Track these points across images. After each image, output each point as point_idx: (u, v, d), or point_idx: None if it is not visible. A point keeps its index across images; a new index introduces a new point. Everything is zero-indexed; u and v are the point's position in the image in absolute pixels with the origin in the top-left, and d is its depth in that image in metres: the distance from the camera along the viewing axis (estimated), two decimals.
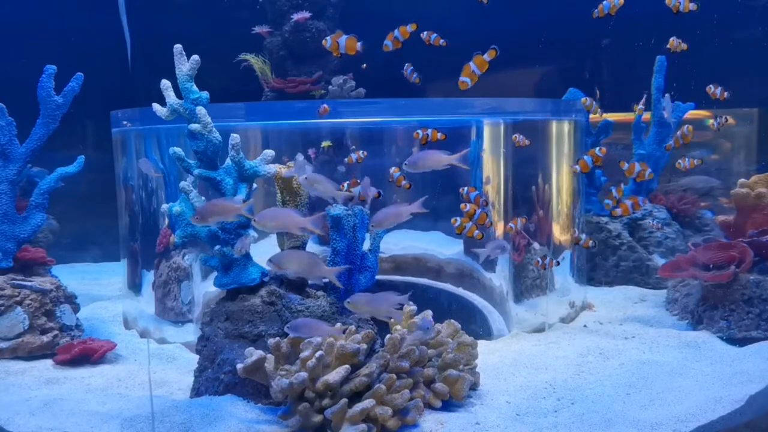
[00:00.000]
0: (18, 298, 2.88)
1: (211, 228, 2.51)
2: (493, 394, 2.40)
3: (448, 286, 3.29)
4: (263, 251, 2.64)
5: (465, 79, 2.26)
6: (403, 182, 2.65)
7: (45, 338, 2.89)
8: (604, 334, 3.16)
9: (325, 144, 3.17)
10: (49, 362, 2.85)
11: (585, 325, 3.31)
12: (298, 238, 2.63)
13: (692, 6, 2.68)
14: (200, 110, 2.46)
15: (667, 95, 3.98)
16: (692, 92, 4.06)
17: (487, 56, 2.22)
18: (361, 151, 2.87)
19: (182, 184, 2.51)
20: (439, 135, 2.55)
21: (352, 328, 2.29)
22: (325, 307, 2.52)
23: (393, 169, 2.68)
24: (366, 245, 2.73)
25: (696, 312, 3.19)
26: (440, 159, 2.36)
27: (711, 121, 3.38)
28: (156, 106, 2.51)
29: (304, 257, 2.34)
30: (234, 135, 2.49)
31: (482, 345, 2.72)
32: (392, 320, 2.43)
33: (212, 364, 2.42)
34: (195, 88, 2.48)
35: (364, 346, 2.18)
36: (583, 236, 3.16)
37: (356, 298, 2.20)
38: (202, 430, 2.12)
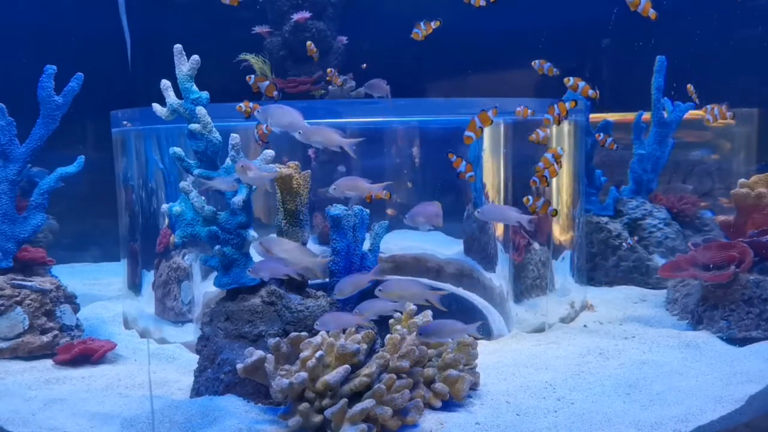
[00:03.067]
0: (18, 298, 2.88)
1: (211, 228, 2.51)
2: (493, 394, 2.40)
3: (448, 286, 3.29)
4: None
5: (470, 134, 2.47)
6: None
7: (45, 338, 2.89)
8: (604, 334, 3.16)
9: None
10: (49, 362, 2.85)
11: (585, 325, 3.31)
12: (298, 237, 2.64)
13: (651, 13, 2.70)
14: (200, 110, 2.46)
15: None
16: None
17: (491, 114, 2.34)
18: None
19: (182, 184, 2.51)
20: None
21: (352, 328, 2.29)
22: (326, 307, 2.52)
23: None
24: (366, 245, 2.73)
25: (696, 312, 3.19)
26: (362, 187, 2.35)
27: (702, 113, 3.34)
28: (156, 106, 2.51)
29: (292, 245, 2.30)
30: (234, 135, 2.49)
31: (482, 345, 2.72)
32: (392, 320, 2.43)
33: (212, 364, 2.42)
34: (195, 88, 2.48)
35: (364, 346, 2.18)
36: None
37: (388, 285, 2.19)
38: (202, 430, 2.12)
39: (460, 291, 3.29)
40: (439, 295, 2.21)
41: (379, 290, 2.16)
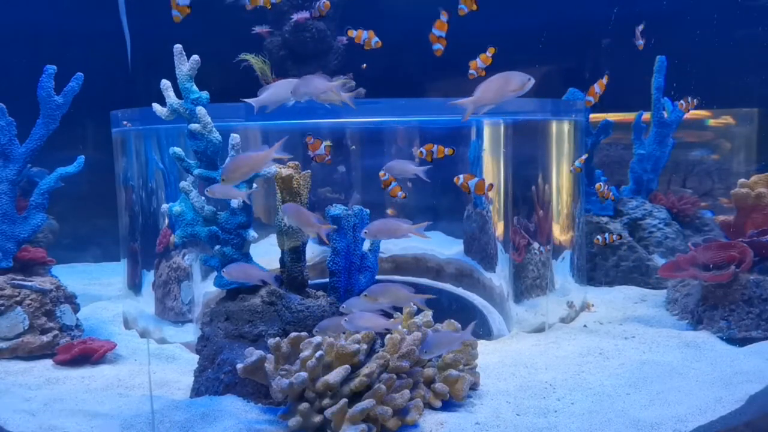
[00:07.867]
0: (18, 298, 2.88)
1: (211, 228, 2.51)
2: (493, 394, 2.40)
3: (448, 286, 3.29)
4: (263, 251, 2.65)
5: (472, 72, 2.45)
6: (399, 193, 2.61)
7: (45, 338, 2.89)
8: (604, 334, 3.16)
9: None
10: (49, 362, 2.85)
11: (585, 325, 3.31)
12: (298, 237, 2.63)
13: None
14: (200, 110, 2.46)
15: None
16: (692, 92, 4.07)
17: (489, 53, 2.34)
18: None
19: (182, 184, 2.51)
20: (446, 151, 2.57)
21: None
22: (325, 307, 2.52)
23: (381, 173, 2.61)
24: (366, 245, 2.73)
25: (696, 312, 3.19)
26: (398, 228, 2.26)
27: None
28: (156, 106, 2.51)
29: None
30: (234, 135, 2.49)
31: (482, 345, 2.72)
32: (392, 320, 2.43)
33: (212, 364, 2.42)
34: (195, 88, 2.48)
35: (364, 346, 2.18)
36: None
37: (374, 289, 2.14)
38: (202, 430, 2.12)
39: (460, 291, 3.29)
40: (425, 298, 2.22)
41: (365, 295, 2.15)
